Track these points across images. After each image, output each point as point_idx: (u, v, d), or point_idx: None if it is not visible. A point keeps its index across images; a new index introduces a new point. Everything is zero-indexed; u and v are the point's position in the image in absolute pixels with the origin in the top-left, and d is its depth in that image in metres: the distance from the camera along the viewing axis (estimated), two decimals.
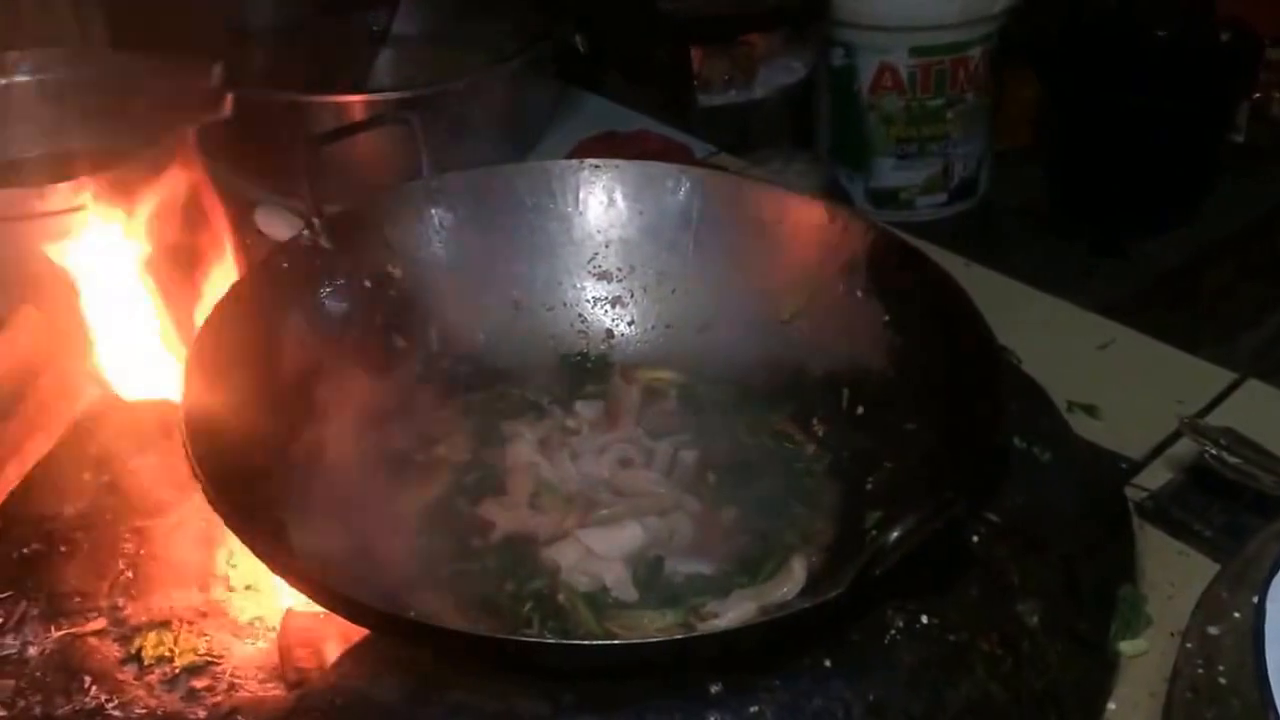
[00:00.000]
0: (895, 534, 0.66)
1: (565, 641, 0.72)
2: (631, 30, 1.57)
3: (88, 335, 0.94)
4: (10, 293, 0.99)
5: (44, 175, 1.12)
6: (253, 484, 0.77)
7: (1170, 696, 0.74)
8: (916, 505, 0.68)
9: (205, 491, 0.73)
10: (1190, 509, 0.89)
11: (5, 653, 0.77)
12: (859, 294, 0.90)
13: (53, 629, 0.79)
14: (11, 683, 0.75)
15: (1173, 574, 0.85)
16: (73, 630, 0.79)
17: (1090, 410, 0.99)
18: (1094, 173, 1.49)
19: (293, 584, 0.73)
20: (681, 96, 1.51)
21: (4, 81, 1.20)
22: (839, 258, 0.92)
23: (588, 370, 0.97)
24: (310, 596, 0.73)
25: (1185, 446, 0.93)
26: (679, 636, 0.72)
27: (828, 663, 0.72)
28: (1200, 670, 0.73)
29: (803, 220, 0.94)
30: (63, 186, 1.02)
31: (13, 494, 0.88)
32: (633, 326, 0.99)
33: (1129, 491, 0.91)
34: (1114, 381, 1.02)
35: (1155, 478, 0.93)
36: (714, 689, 0.70)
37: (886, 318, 0.89)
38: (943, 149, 1.50)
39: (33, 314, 0.94)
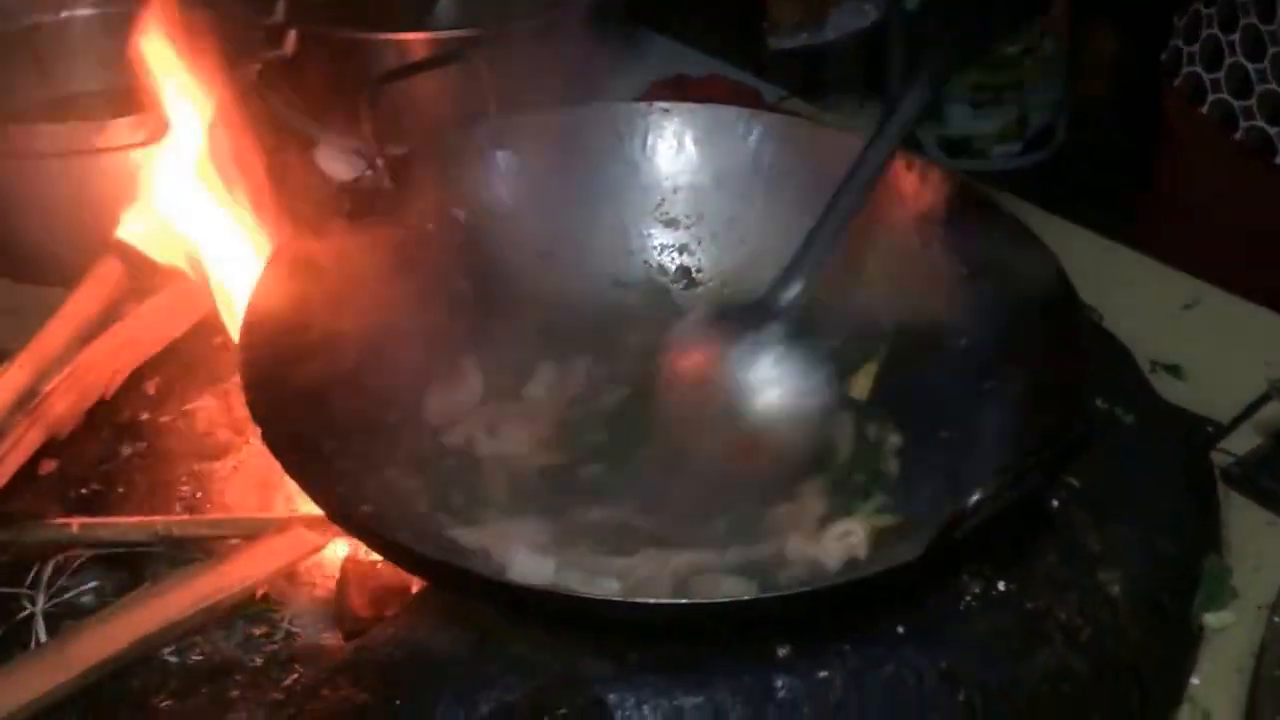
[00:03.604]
0: (975, 498, 0.63)
1: (632, 600, 0.70)
2: None
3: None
4: (70, 226, 0.99)
5: (104, 110, 1.11)
6: (314, 431, 0.76)
7: (1258, 673, 0.71)
8: (994, 468, 0.65)
9: (265, 437, 0.71)
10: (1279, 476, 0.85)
11: (63, 596, 0.77)
12: (936, 246, 0.87)
13: (111, 572, 0.78)
14: (70, 624, 0.75)
15: (1260, 544, 0.82)
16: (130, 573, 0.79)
17: (1174, 371, 0.95)
18: None
19: (352, 532, 0.71)
20: (751, 39, 1.47)
21: (65, 15, 1.19)
22: (916, 209, 0.88)
23: None
24: (369, 545, 0.72)
25: (1274, 410, 0.89)
26: (749, 598, 0.70)
27: (900, 629, 0.69)
28: None
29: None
30: (122, 122, 1.01)
31: (71, 435, 0.87)
32: (699, 274, 0.96)
33: (1215, 456, 0.88)
34: (1200, 341, 0.99)
35: (1243, 442, 0.89)
36: (782, 652, 0.68)
37: (964, 271, 0.85)
38: (1019, 97, 1.45)
39: (114, 265, 0.93)
